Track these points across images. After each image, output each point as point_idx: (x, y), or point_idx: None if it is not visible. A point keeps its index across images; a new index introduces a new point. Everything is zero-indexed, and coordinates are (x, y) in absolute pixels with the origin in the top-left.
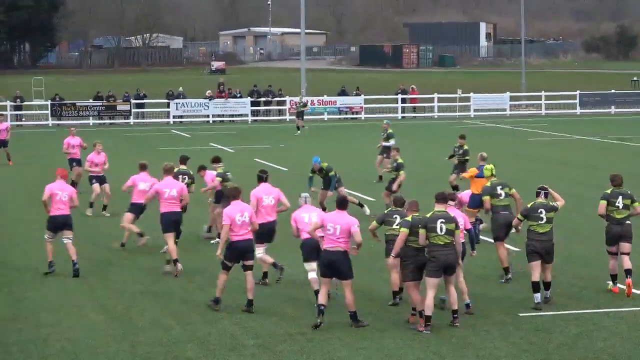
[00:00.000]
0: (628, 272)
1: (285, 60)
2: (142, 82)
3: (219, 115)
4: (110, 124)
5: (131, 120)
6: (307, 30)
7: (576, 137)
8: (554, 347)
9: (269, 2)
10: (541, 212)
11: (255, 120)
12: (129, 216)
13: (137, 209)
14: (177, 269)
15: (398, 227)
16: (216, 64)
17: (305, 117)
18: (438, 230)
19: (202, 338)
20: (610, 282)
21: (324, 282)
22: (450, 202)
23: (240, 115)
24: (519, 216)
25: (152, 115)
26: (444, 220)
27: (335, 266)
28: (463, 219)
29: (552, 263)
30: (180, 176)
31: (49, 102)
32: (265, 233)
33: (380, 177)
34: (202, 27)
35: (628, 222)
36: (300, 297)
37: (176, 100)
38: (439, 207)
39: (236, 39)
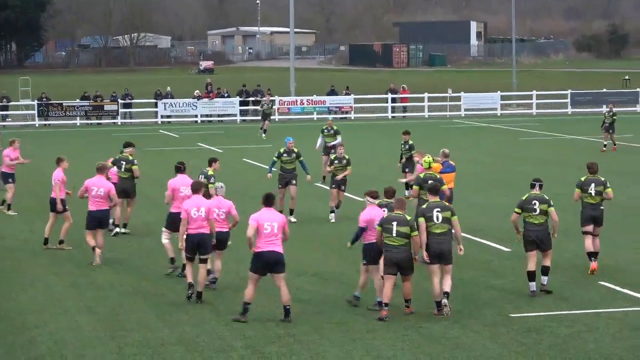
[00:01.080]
0: (595, 254)
1: (274, 60)
2: (130, 82)
3: (207, 115)
4: (98, 124)
5: (119, 121)
6: (296, 30)
7: (568, 137)
8: (545, 348)
9: (257, 2)
10: (535, 204)
11: (244, 120)
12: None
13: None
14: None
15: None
16: (204, 64)
17: (296, 116)
18: (435, 219)
19: (190, 340)
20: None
21: (253, 277)
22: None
23: (229, 115)
24: (516, 209)
25: (140, 115)
26: (439, 209)
27: (273, 266)
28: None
29: (550, 250)
30: (123, 163)
31: (35, 102)
32: (176, 222)
33: (324, 178)
34: (191, 26)
35: (601, 207)
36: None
37: (164, 100)
38: (432, 199)
39: (225, 39)
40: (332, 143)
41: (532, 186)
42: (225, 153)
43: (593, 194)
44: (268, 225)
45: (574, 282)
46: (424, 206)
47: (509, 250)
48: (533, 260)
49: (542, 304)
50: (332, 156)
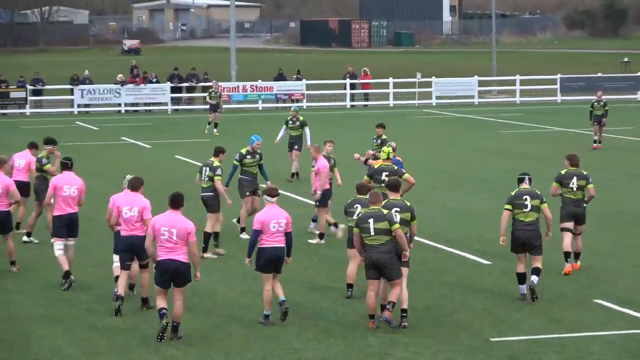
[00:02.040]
0: (577, 255)
1: (212, 39)
2: (41, 65)
3: (132, 104)
4: (2, 114)
5: (27, 110)
6: (237, 3)
7: (557, 129)
8: None
9: None
10: (526, 200)
11: (176, 110)
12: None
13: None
14: None
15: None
16: (129, 43)
17: (238, 105)
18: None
19: None
20: (566, 263)
21: (161, 291)
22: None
23: (158, 103)
24: (506, 206)
25: (53, 104)
26: (398, 209)
27: (173, 276)
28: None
29: (540, 256)
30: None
31: None
32: (68, 225)
33: (294, 175)
34: None
35: (584, 204)
36: (225, 321)
37: (81, 86)
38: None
39: (153, 13)
40: (308, 144)
41: (521, 180)
42: (154, 149)
43: (574, 189)
44: (165, 231)
45: (565, 301)
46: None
47: (489, 263)
48: (523, 261)
49: (528, 326)
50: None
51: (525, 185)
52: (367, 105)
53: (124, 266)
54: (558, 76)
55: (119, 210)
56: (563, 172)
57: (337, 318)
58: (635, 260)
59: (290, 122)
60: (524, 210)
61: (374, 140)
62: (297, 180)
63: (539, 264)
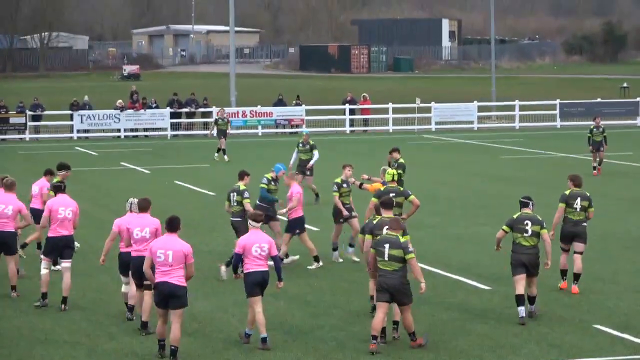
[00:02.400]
0: (577, 276)
1: (211, 64)
2: (41, 90)
3: (132, 130)
4: (1, 139)
5: (27, 136)
6: (237, 28)
7: (557, 155)
8: None
9: None
10: (527, 224)
11: (176, 136)
12: None
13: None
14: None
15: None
16: (129, 68)
17: (237, 131)
18: (385, 256)
19: None
20: (561, 280)
21: (160, 313)
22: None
23: (158, 129)
24: (504, 227)
25: (53, 129)
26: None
27: (169, 298)
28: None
29: (536, 277)
30: None
31: None
32: (63, 247)
33: (317, 196)
34: (112, 24)
35: (584, 223)
36: (224, 346)
37: (81, 112)
38: (386, 214)
39: (152, 39)
40: (311, 163)
41: (524, 205)
42: (153, 174)
43: (578, 209)
44: (161, 254)
45: (565, 326)
46: (375, 222)
47: (488, 288)
48: (521, 284)
49: (528, 351)
50: (338, 179)
51: (527, 210)
52: (366, 130)
53: (141, 286)
54: (557, 101)
55: (130, 231)
56: (567, 192)
57: (337, 343)
58: (635, 285)
59: (300, 144)
60: (525, 235)
61: (392, 165)
62: (315, 203)
63: (534, 290)
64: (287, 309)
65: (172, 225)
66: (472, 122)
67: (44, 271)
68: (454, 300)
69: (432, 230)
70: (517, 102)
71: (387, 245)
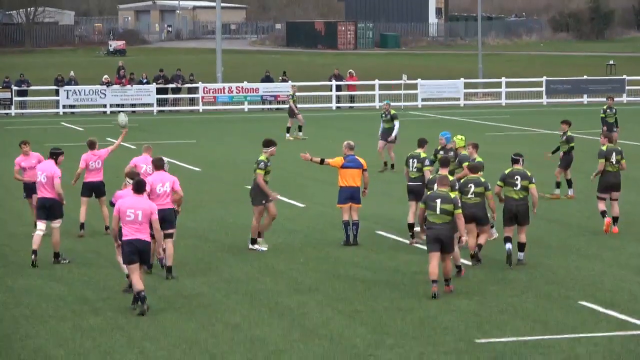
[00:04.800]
0: (616, 219)
1: (198, 40)
2: (26, 65)
3: (118, 105)
4: None
5: (12, 111)
6: (223, 4)
7: (543, 132)
8: None
9: None
10: (517, 179)
11: (162, 111)
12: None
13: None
14: None
15: (472, 195)
16: (115, 44)
17: (223, 107)
18: (437, 210)
19: None
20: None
21: (132, 268)
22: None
23: (144, 104)
24: (498, 182)
25: (38, 104)
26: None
27: (144, 254)
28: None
29: (527, 225)
30: None
31: None
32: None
33: (387, 164)
34: None
35: (619, 175)
36: (210, 322)
37: (67, 87)
38: (442, 171)
39: (139, 14)
40: (393, 135)
41: (515, 161)
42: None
43: (614, 163)
44: (131, 213)
45: (550, 303)
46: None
47: (474, 264)
48: (510, 231)
49: (513, 327)
50: (263, 157)
51: (518, 166)
52: (352, 106)
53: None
54: (544, 79)
55: (153, 187)
56: (604, 148)
57: (323, 319)
58: (620, 262)
59: (382, 115)
60: (515, 188)
61: (561, 137)
62: (391, 171)
63: (523, 237)
64: (272, 285)
65: (139, 187)
66: (458, 99)
67: (39, 233)
68: (440, 277)
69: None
70: (503, 79)
71: (438, 200)
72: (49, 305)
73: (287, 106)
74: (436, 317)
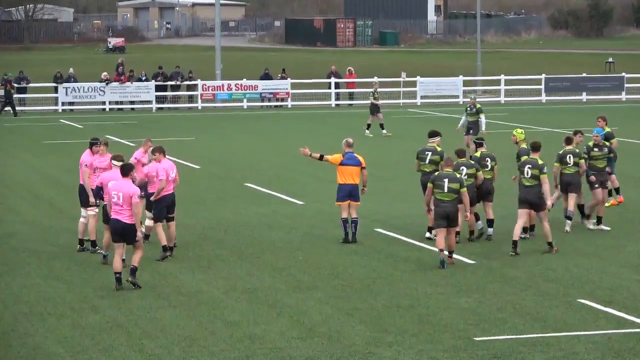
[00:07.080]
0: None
1: (197, 37)
2: (25, 63)
3: (117, 102)
4: None
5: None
6: (222, 2)
7: (542, 129)
8: None
9: None
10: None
11: (161, 108)
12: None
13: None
14: None
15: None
16: (114, 41)
17: (222, 104)
18: (445, 188)
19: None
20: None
21: (117, 247)
22: None
23: (143, 102)
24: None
25: (37, 102)
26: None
27: (125, 235)
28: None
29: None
30: None
31: None
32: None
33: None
34: None
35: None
36: (209, 320)
37: (66, 84)
38: (447, 169)
39: (138, 11)
40: (483, 130)
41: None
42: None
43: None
44: (115, 194)
45: (549, 300)
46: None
47: (473, 262)
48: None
49: (512, 325)
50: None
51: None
52: (352, 104)
53: (161, 220)
54: (543, 76)
55: (167, 174)
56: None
57: (322, 317)
58: (619, 260)
59: (468, 108)
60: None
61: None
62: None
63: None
64: (271, 283)
65: (124, 170)
66: (457, 97)
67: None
68: (439, 274)
69: (417, 204)
70: (502, 77)
71: (446, 180)
72: (48, 302)
73: (285, 104)
74: (435, 314)
